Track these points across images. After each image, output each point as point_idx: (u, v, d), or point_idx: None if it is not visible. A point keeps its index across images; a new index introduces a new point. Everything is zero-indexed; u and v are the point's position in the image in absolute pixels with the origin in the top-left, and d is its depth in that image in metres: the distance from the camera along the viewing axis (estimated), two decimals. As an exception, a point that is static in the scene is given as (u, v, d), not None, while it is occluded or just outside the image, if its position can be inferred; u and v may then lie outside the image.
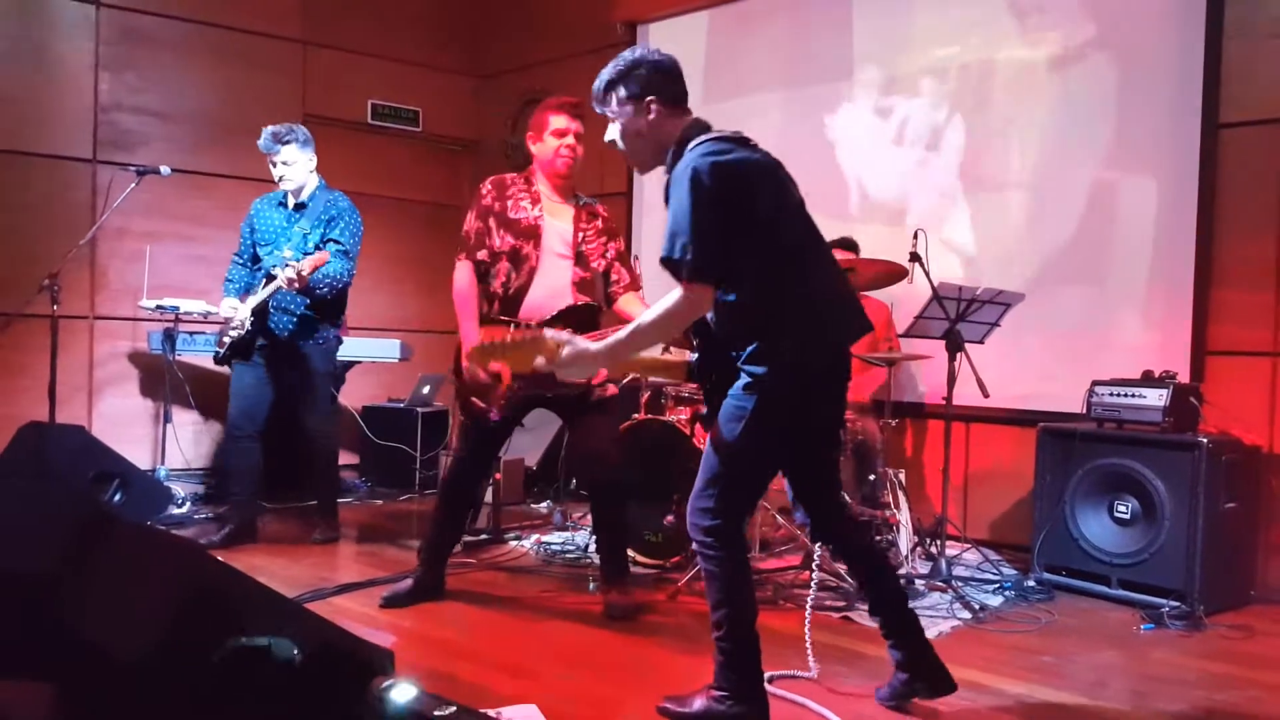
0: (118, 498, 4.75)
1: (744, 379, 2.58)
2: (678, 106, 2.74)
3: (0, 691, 2.29)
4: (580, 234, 3.69)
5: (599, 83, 2.77)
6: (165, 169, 4.73)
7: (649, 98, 2.69)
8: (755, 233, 2.52)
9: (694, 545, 2.64)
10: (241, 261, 4.68)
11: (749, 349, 2.57)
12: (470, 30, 7.39)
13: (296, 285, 4.22)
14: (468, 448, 3.74)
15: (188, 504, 5.28)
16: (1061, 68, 4.74)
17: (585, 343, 2.57)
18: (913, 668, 2.76)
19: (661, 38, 6.33)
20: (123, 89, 5.91)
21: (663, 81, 2.72)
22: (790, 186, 2.67)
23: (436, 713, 2.29)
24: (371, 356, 6.01)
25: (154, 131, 5.99)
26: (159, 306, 5.43)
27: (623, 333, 2.58)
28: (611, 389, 3.75)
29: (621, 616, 3.56)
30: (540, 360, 2.56)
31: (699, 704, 2.62)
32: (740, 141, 2.64)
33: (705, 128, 2.69)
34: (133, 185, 4.61)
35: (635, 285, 3.79)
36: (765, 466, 2.76)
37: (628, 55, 2.77)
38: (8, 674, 2.59)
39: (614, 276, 3.75)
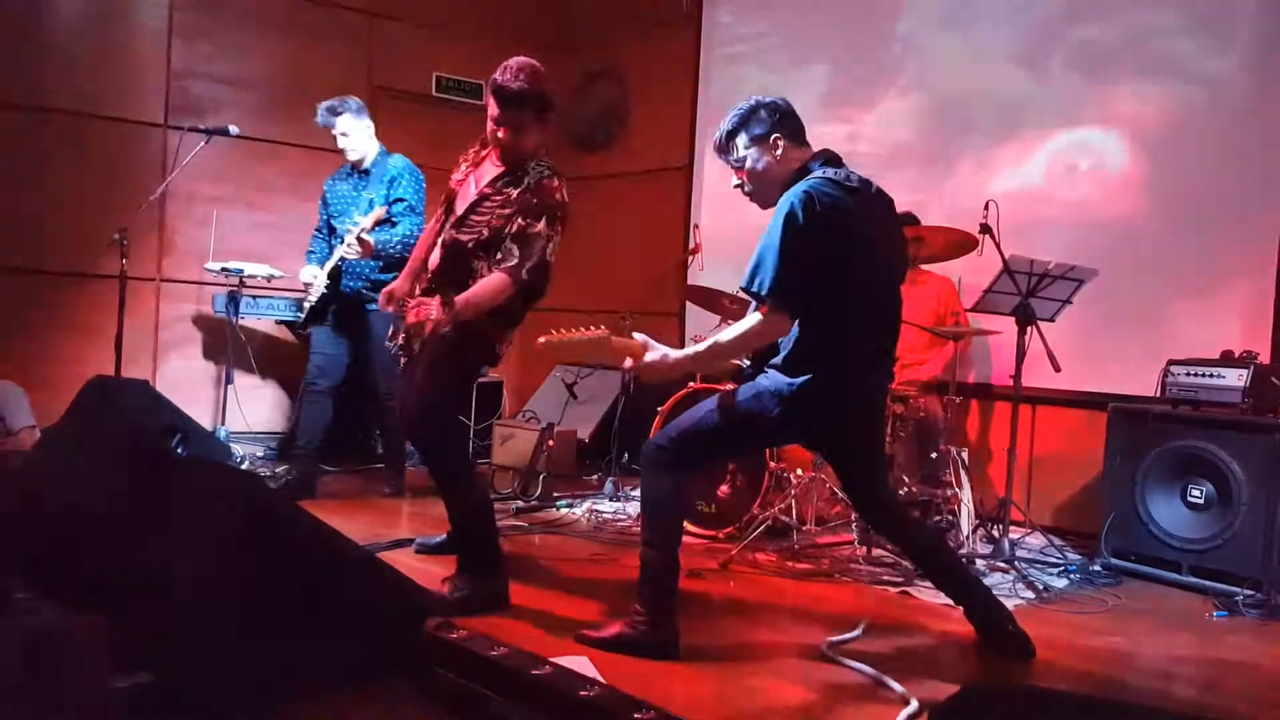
0: (179, 452, 4.82)
1: (776, 384, 2.73)
2: (799, 140, 2.84)
3: (64, 620, 2.33)
4: (482, 195, 3.26)
5: (721, 133, 2.86)
6: (233, 128, 4.78)
7: (775, 136, 2.78)
8: (828, 274, 2.65)
9: (643, 455, 2.82)
10: (321, 235, 4.87)
11: (788, 350, 2.74)
12: (535, 4, 7.39)
13: (359, 251, 4.31)
14: None
15: (246, 464, 5.34)
16: (1141, 44, 4.60)
17: (665, 348, 2.75)
18: (988, 635, 2.91)
19: (730, 10, 6.28)
20: (195, 56, 6.00)
21: (783, 119, 2.83)
22: (876, 240, 2.77)
23: (490, 652, 2.29)
24: (427, 326, 6.03)
25: (225, 99, 6.07)
26: (224, 269, 5.51)
27: (702, 346, 2.78)
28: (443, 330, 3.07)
29: (452, 611, 2.84)
30: (629, 361, 2.76)
31: (615, 629, 2.75)
32: (849, 189, 2.71)
33: (829, 159, 2.81)
34: (201, 144, 4.67)
35: (509, 271, 3.12)
36: (743, 449, 3.33)
37: (744, 104, 2.85)
38: (71, 604, 2.64)
39: (499, 254, 3.16)
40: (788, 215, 2.62)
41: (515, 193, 3.21)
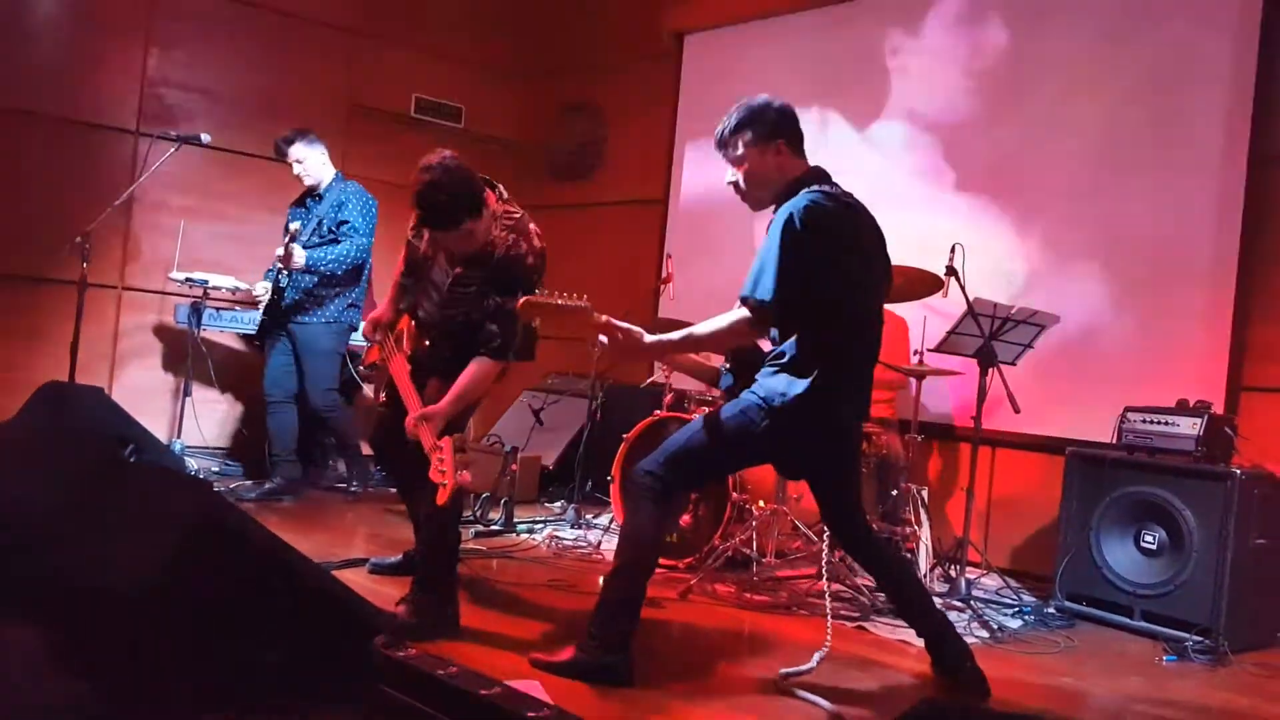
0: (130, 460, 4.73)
1: (766, 394, 2.70)
2: (800, 150, 2.88)
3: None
4: (455, 278, 3.20)
5: (726, 126, 2.86)
6: (205, 136, 4.78)
7: (779, 140, 2.82)
8: (826, 286, 2.67)
9: (631, 482, 2.79)
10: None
11: (779, 362, 2.72)
12: (519, 32, 7.43)
13: (282, 264, 4.75)
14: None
15: (202, 476, 5.26)
16: (1106, 95, 4.71)
17: (640, 330, 2.74)
18: (946, 670, 2.90)
19: (709, 48, 6.35)
20: (170, 64, 5.96)
21: (789, 126, 2.85)
22: (871, 259, 2.81)
23: (439, 672, 2.25)
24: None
25: (198, 108, 6.03)
26: (188, 279, 5.44)
27: (676, 334, 2.76)
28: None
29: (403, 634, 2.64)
30: (603, 338, 2.72)
31: (568, 654, 2.71)
32: (845, 205, 2.75)
33: (824, 176, 2.83)
34: (172, 150, 4.63)
35: (494, 354, 3.11)
36: (733, 469, 3.35)
37: (754, 101, 2.87)
38: (6, 611, 2.56)
39: (483, 335, 3.12)
40: (787, 224, 2.64)
41: (486, 270, 3.13)
